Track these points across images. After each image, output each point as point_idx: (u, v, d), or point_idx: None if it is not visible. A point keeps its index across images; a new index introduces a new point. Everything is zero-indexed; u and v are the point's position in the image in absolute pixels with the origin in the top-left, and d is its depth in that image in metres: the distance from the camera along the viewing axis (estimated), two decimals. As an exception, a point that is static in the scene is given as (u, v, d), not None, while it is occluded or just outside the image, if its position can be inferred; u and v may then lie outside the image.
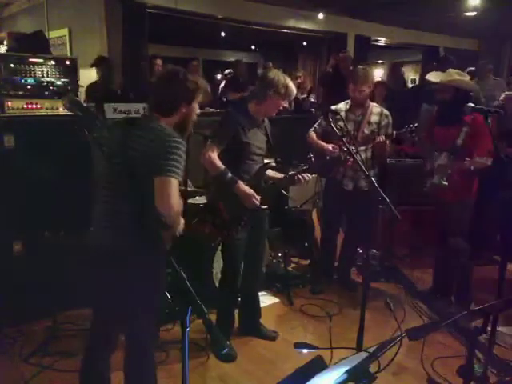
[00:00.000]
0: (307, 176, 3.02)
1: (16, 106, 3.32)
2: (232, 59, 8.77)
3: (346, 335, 3.08)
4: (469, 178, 3.53)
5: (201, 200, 3.90)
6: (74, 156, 3.35)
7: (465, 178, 3.49)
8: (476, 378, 2.40)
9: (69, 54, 6.15)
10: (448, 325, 2.81)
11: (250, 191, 2.87)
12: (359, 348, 2.44)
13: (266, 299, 3.88)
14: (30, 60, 3.40)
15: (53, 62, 3.50)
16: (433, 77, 3.62)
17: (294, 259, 4.83)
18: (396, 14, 7.58)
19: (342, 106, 3.87)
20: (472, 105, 3.10)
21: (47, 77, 3.46)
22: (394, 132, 3.67)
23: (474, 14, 7.28)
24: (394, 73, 7.29)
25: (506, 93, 4.80)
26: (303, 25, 7.60)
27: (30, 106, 3.37)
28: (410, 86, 9.47)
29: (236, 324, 3.34)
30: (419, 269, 4.52)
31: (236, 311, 3.33)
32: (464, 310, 1.79)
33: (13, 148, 3.24)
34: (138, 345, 2.23)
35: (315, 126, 3.89)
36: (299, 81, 7.34)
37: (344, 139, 2.85)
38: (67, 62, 3.59)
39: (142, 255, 2.01)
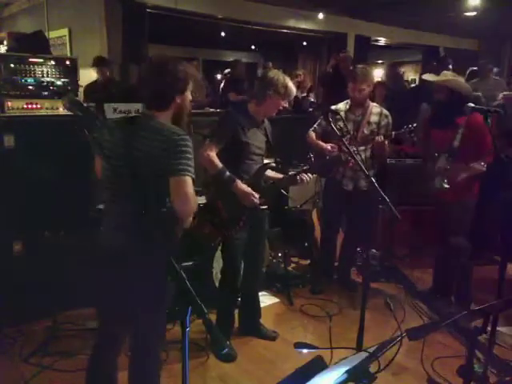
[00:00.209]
0: (308, 176, 3.02)
1: (16, 106, 3.32)
2: (232, 59, 8.78)
3: (346, 335, 3.08)
4: (469, 179, 3.53)
5: (201, 200, 3.89)
6: (74, 156, 3.35)
7: (466, 178, 3.49)
8: (476, 377, 2.40)
9: (69, 54, 6.16)
10: (448, 325, 2.81)
11: (249, 190, 2.87)
12: (359, 348, 2.44)
13: (265, 299, 3.88)
14: (30, 60, 3.40)
15: (53, 62, 3.50)
16: (428, 77, 3.64)
17: (294, 259, 4.83)
18: (396, 14, 7.59)
19: (342, 106, 3.87)
20: (472, 105, 3.11)
21: (47, 77, 3.46)
22: (393, 132, 3.67)
23: (474, 14, 7.29)
24: (392, 73, 7.30)
25: (505, 93, 4.80)
26: (303, 25, 7.61)
27: (30, 106, 3.37)
28: (411, 86, 9.47)
29: (236, 324, 3.34)
30: (419, 269, 4.52)
31: (236, 311, 3.33)
32: (464, 310, 1.78)
33: (13, 148, 3.24)
34: (143, 345, 2.23)
35: (315, 125, 3.88)
36: (299, 79, 7.34)
37: (344, 139, 2.85)
38: (67, 62, 3.59)
39: (150, 256, 2.01)
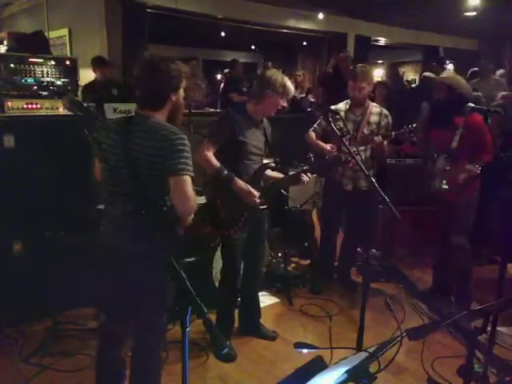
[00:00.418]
0: (308, 176, 3.02)
1: (16, 106, 3.32)
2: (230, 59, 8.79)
3: (346, 335, 3.08)
4: (469, 179, 3.53)
5: (201, 200, 3.89)
6: (74, 156, 3.35)
7: (466, 178, 3.49)
8: (476, 377, 2.40)
9: (69, 54, 6.16)
10: (448, 325, 2.81)
11: (248, 187, 2.86)
12: (359, 348, 2.44)
13: (265, 299, 3.88)
14: (30, 60, 3.40)
15: (53, 62, 3.50)
16: (429, 73, 3.64)
17: (294, 259, 4.83)
18: (396, 14, 7.59)
19: (342, 106, 3.87)
20: (472, 104, 3.11)
21: (47, 77, 3.46)
22: (393, 132, 3.67)
23: (474, 14, 7.28)
24: (392, 72, 7.30)
25: (504, 93, 4.80)
26: (303, 25, 7.60)
27: (30, 106, 3.38)
28: (412, 86, 9.48)
29: (236, 324, 3.34)
30: (419, 269, 4.52)
31: (236, 311, 3.33)
32: (464, 309, 1.78)
33: (13, 148, 3.24)
34: (146, 346, 2.23)
35: (315, 125, 3.88)
36: (298, 79, 7.35)
37: (344, 139, 2.85)
38: (67, 62, 3.59)
39: (150, 255, 2.01)
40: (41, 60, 3.45)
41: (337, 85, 5.56)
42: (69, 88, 3.54)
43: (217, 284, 3.44)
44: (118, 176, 2.03)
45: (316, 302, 3.90)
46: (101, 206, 2.99)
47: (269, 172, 3.07)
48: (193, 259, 2.60)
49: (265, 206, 2.99)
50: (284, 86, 2.90)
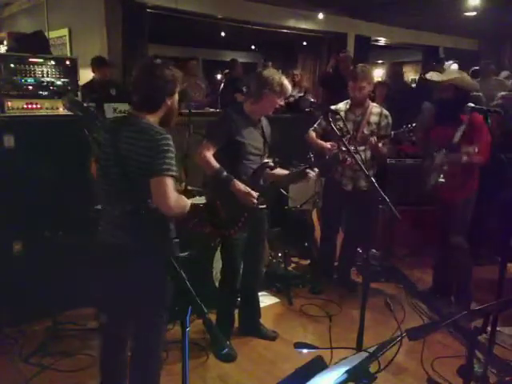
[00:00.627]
0: (314, 170, 3.02)
1: (16, 106, 3.32)
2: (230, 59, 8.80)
3: (346, 335, 3.08)
4: (468, 177, 3.53)
5: (201, 200, 3.90)
6: (73, 156, 3.35)
7: (463, 175, 3.49)
8: (476, 377, 2.40)
9: (69, 54, 6.16)
10: (448, 325, 2.81)
11: (247, 189, 2.86)
12: (359, 348, 2.44)
13: (266, 299, 3.88)
14: (30, 60, 3.40)
15: (53, 62, 3.50)
16: (433, 76, 3.61)
17: (294, 259, 4.83)
18: (396, 14, 7.59)
19: (342, 106, 3.87)
20: (472, 104, 3.10)
21: (47, 77, 3.46)
22: (392, 132, 3.67)
23: (474, 14, 7.28)
24: (392, 71, 7.29)
25: (503, 93, 4.80)
26: (303, 25, 7.60)
27: (30, 106, 3.37)
28: (412, 85, 9.46)
29: (236, 324, 3.34)
30: (419, 269, 4.52)
31: (236, 311, 3.33)
32: (464, 309, 1.78)
33: (13, 148, 3.24)
34: (145, 346, 2.24)
35: (315, 125, 3.89)
36: (296, 79, 7.35)
37: (344, 139, 2.85)
38: (67, 62, 3.59)
39: (146, 253, 2.02)
40: (41, 60, 3.45)
41: (337, 85, 5.56)
42: (69, 88, 3.54)
43: (217, 284, 3.45)
44: (108, 175, 2.09)
45: (316, 302, 3.90)
46: (99, 206, 2.99)
47: (275, 170, 3.07)
48: (186, 253, 2.59)
49: (264, 206, 2.99)
50: (281, 85, 2.90)
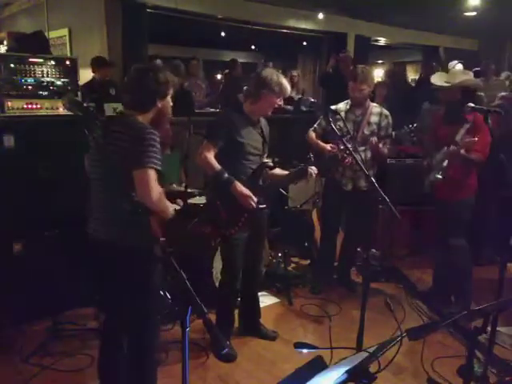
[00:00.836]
0: (314, 169, 3.03)
1: (16, 106, 3.32)
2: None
3: (346, 335, 3.08)
4: (466, 176, 3.53)
5: (201, 200, 3.90)
6: (73, 156, 3.34)
7: (462, 174, 3.49)
8: (476, 377, 2.40)
9: (69, 54, 6.16)
10: (448, 325, 2.81)
11: (247, 192, 2.86)
12: (359, 348, 2.43)
13: (266, 299, 3.88)
14: (30, 60, 3.40)
15: (53, 62, 3.50)
16: (439, 79, 3.59)
17: (294, 259, 4.83)
18: (396, 14, 7.59)
19: (342, 106, 3.87)
20: (472, 104, 3.11)
21: (47, 77, 3.46)
22: (393, 133, 3.67)
23: (474, 14, 7.28)
24: (397, 72, 7.29)
25: (503, 93, 4.80)
26: (303, 25, 7.60)
27: (29, 106, 3.38)
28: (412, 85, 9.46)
29: (236, 324, 3.34)
30: (419, 269, 4.52)
31: (236, 311, 3.33)
32: (464, 309, 1.78)
33: (13, 148, 3.24)
34: (138, 345, 2.25)
35: (315, 125, 3.89)
36: (295, 80, 7.35)
37: (344, 139, 2.85)
38: (67, 62, 3.59)
39: (132, 252, 2.06)
40: (41, 60, 3.45)
41: (337, 85, 5.56)
42: (69, 88, 3.54)
43: (217, 284, 3.45)
44: (95, 168, 2.16)
45: (316, 302, 3.90)
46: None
47: (274, 170, 3.07)
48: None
49: (264, 206, 2.99)
50: (280, 84, 2.90)
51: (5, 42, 5.85)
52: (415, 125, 3.51)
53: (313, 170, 3.03)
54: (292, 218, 4.74)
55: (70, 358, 2.97)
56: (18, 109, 3.33)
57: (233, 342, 3.16)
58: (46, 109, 3.45)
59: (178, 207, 2.23)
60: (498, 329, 2.56)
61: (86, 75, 4.99)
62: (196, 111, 5.71)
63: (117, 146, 2.06)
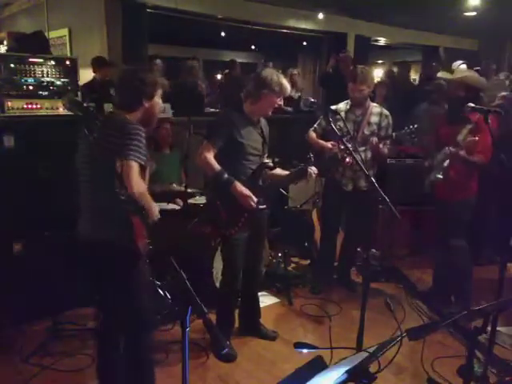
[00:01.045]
0: (314, 169, 3.03)
1: (16, 106, 3.32)
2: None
3: (346, 335, 3.08)
4: (467, 177, 3.53)
5: (201, 200, 3.90)
6: (73, 156, 3.34)
7: (463, 175, 3.48)
8: (476, 377, 2.40)
9: (69, 54, 6.16)
10: (448, 325, 2.80)
11: (247, 192, 2.86)
12: (359, 348, 2.43)
13: (266, 299, 3.88)
14: (30, 60, 3.40)
15: (53, 62, 3.50)
16: (444, 74, 3.60)
17: (294, 259, 4.83)
18: (396, 14, 7.59)
19: (342, 106, 3.87)
20: (472, 104, 3.10)
21: (47, 77, 3.46)
22: (394, 133, 3.66)
23: (474, 14, 7.28)
24: (401, 73, 7.28)
25: (503, 93, 4.80)
26: (303, 25, 7.61)
27: (29, 106, 3.38)
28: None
29: (236, 324, 3.34)
30: (419, 269, 4.52)
31: (236, 311, 3.33)
32: (464, 309, 1.78)
33: (13, 148, 3.24)
34: (134, 345, 2.25)
35: (315, 125, 3.89)
36: (295, 78, 7.34)
37: (344, 139, 2.85)
38: (67, 62, 3.59)
39: (115, 249, 2.10)
40: (41, 60, 3.45)
41: (337, 85, 5.56)
42: (69, 88, 3.54)
43: (217, 284, 3.45)
44: (83, 164, 2.23)
45: (316, 302, 3.90)
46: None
47: (274, 170, 3.06)
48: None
49: (264, 206, 2.99)
50: (280, 84, 2.90)
51: (5, 42, 5.85)
52: (416, 126, 3.51)
53: (313, 170, 3.03)
54: (292, 218, 4.74)
55: (69, 358, 2.97)
56: (17, 109, 3.33)
57: (233, 342, 3.16)
58: (46, 109, 3.45)
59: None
60: (498, 329, 2.56)
61: (86, 75, 4.99)
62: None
63: (105, 143, 2.09)
